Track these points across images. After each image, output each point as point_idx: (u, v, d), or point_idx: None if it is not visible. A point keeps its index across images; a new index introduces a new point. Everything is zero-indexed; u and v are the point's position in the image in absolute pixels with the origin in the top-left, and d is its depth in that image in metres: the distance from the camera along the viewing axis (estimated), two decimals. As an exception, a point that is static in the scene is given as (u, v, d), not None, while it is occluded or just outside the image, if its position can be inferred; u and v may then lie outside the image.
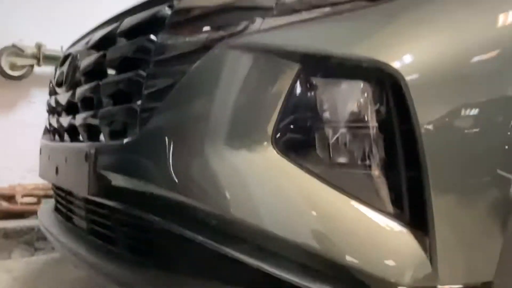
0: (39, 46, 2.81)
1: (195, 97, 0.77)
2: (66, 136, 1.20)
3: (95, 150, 0.93)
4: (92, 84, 1.01)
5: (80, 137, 1.09)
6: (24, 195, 2.52)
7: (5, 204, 2.48)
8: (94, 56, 1.03)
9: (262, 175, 0.72)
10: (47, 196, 2.58)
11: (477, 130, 0.70)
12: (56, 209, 1.45)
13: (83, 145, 1.01)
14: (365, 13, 0.73)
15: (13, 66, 2.75)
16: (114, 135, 0.94)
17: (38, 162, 2.82)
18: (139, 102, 0.86)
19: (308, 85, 0.73)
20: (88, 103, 1.05)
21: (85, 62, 1.08)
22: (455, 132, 0.69)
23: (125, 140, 0.85)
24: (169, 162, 0.77)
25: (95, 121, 1.00)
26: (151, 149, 0.81)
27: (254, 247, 0.73)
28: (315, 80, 0.73)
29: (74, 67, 1.13)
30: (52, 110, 1.38)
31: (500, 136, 0.70)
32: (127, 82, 0.89)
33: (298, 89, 0.73)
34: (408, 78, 0.67)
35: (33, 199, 2.57)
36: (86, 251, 1.04)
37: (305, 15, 0.76)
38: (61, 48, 2.95)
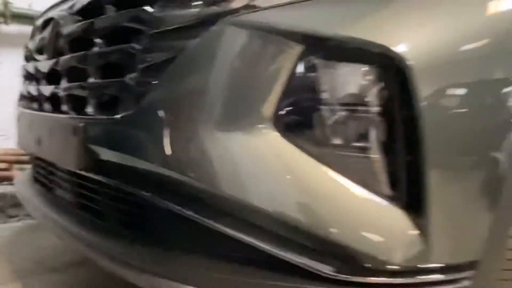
0: (5, 4, 2.65)
1: (194, 74, 0.75)
2: (47, 106, 1.15)
3: (84, 123, 0.91)
4: (79, 53, 0.97)
5: (64, 108, 1.05)
6: (-6, 161, 2.43)
7: (-26, 170, 2.40)
8: (80, 24, 0.98)
9: (261, 155, 0.72)
10: (18, 162, 2.51)
11: (472, 112, 0.71)
12: (36, 179, 1.41)
13: (70, 118, 0.97)
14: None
15: (-23, 24, 2.59)
16: (104, 108, 0.91)
17: (10, 128, 2.72)
18: (132, 76, 0.83)
19: (310, 66, 0.72)
20: (73, 73, 1.01)
21: (69, 29, 1.02)
22: (452, 115, 0.71)
23: (119, 115, 0.83)
24: (167, 140, 0.76)
25: (82, 93, 0.96)
26: (147, 125, 0.80)
27: (247, 224, 0.74)
28: (317, 62, 0.72)
29: (56, 34, 1.07)
30: (30, 77, 1.31)
31: (493, 119, 0.72)
32: (119, 54, 0.86)
33: (300, 70, 0.72)
34: (410, 61, 0.67)
35: (4, 165, 2.48)
36: (73, 224, 1.03)
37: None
38: (29, 5, 2.79)
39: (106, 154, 0.87)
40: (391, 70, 0.69)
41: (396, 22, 0.70)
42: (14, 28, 2.77)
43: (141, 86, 0.81)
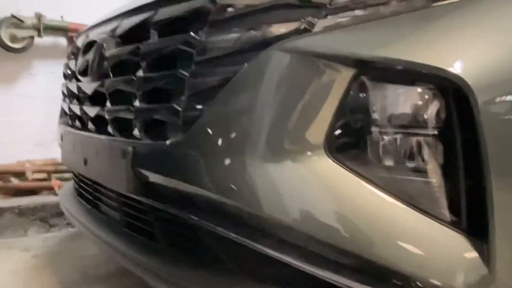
0: (39, 16, 2.71)
1: (244, 101, 0.75)
2: (92, 126, 1.18)
3: (133, 148, 0.92)
4: (126, 77, 0.98)
5: (110, 129, 1.06)
6: (34, 171, 2.50)
7: (15, 181, 2.47)
8: (126, 48, 0.99)
9: (315, 182, 0.71)
10: (57, 172, 2.58)
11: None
12: (80, 194, 1.44)
13: (119, 141, 0.98)
14: (424, 15, 0.70)
15: (13, 38, 2.66)
16: (151, 132, 0.92)
17: (47, 137, 2.79)
18: (180, 101, 0.83)
19: (363, 90, 0.71)
20: (119, 96, 1.02)
21: (114, 52, 1.04)
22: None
23: (168, 141, 0.84)
24: (216, 166, 0.77)
25: (129, 115, 0.98)
26: (196, 151, 0.80)
27: (302, 252, 0.73)
28: (371, 85, 0.71)
29: (100, 57, 1.08)
30: (72, 96, 1.34)
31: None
32: (168, 79, 0.86)
33: (352, 94, 0.71)
34: (468, 81, 0.65)
35: (43, 175, 2.56)
36: (121, 243, 1.05)
37: (360, 14, 0.72)
38: (61, 17, 2.85)
39: (156, 179, 0.89)
40: (449, 92, 0.68)
41: (450, 43, 0.68)
42: (47, 40, 2.84)
43: (189, 112, 0.82)
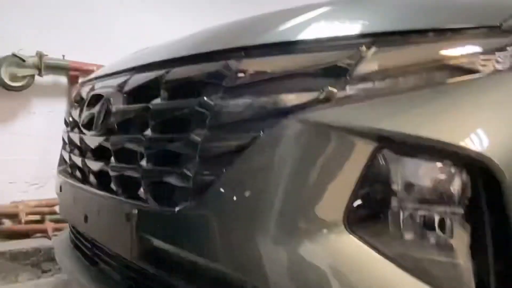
0: (40, 55, 2.71)
1: (260, 173, 0.72)
2: (94, 181, 1.14)
3: (138, 211, 0.88)
4: (134, 136, 0.95)
5: (113, 186, 1.02)
6: (27, 213, 2.43)
7: (8, 223, 2.40)
8: (134, 106, 0.96)
9: (337, 261, 0.67)
10: (51, 213, 2.51)
11: None
12: (76, 246, 1.38)
13: (123, 202, 0.94)
14: (446, 90, 0.68)
15: (13, 77, 2.65)
16: (159, 196, 0.88)
17: (43, 176, 2.73)
18: (191, 167, 0.80)
19: (384, 165, 0.68)
20: (125, 153, 0.99)
21: (122, 108, 1.01)
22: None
23: (177, 208, 0.80)
24: (230, 241, 0.73)
25: (134, 174, 0.94)
26: (207, 222, 0.76)
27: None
28: (394, 160, 0.68)
29: (107, 112, 1.06)
30: (73, 146, 1.31)
31: None
32: (178, 143, 0.83)
33: (374, 169, 0.68)
34: (498, 162, 0.63)
35: (37, 217, 2.49)
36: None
37: (379, 87, 0.70)
38: (63, 56, 2.85)
39: (160, 245, 0.84)
40: (474, 169, 0.65)
41: (473, 120, 0.66)
42: (47, 78, 2.83)
43: (200, 178, 0.78)
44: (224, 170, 0.75)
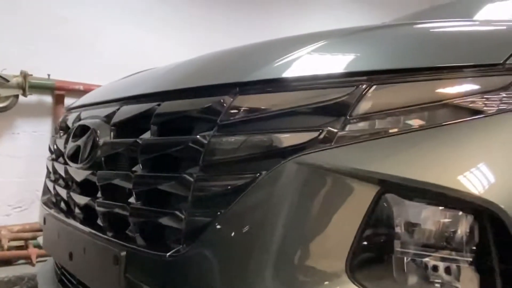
0: (24, 75, 2.65)
1: (258, 217, 0.68)
2: (79, 215, 1.08)
3: (126, 254, 0.83)
4: (121, 172, 0.90)
5: (100, 223, 0.97)
6: (10, 239, 2.35)
7: (-10, 250, 2.31)
8: (122, 141, 0.92)
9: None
10: (35, 238, 2.42)
11: None
12: (60, 280, 1.31)
13: (110, 242, 0.89)
14: (446, 132, 0.66)
15: (-4, 97, 2.58)
16: (148, 237, 0.84)
17: (26, 199, 2.65)
18: (183, 208, 0.76)
19: (389, 208, 0.65)
20: (113, 189, 0.94)
21: (109, 142, 0.96)
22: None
23: (168, 254, 0.75)
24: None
25: (123, 212, 0.89)
26: (200, 269, 0.72)
27: None
28: (398, 204, 0.65)
29: (93, 145, 1.01)
30: (59, 177, 1.25)
31: None
32: (169, 182, 0.79)
33: (377, 214, 0.65)
34: (504, 208, 0.60)
35: (20, 243, 2.40)
36: None
37: (381, 127, 0.67)
38: (48, 76, 2.79)
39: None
40: (481, 215, 0.62)
41: (475, 162, 0.64)
42: (32, 98, 2.77)
43: (193, 221, 0.74)
44: (219, 213, 0.71)
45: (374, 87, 0.68)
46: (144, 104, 0.92)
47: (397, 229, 0.66)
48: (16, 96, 2.66)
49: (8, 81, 2.58)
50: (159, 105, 0.88)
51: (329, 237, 0.65)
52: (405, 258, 0.65)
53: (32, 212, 2.67)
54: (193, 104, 0.80)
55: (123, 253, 0.83)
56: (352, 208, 0.64)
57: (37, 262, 2.28)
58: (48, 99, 2.89)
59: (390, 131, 0.67)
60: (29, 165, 2.72)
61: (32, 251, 2.32)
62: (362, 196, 0.64)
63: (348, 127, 0.68)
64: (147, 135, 0.88)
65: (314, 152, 0.67)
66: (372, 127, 0.67)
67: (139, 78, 1.18)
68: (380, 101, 0.68)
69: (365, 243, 0.65)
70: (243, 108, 0.74)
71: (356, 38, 0.84)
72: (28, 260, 2.33)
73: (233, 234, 0.70)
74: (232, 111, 0.75)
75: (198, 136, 0.76)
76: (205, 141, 0.75)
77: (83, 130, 1.09)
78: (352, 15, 4.28)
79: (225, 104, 0.76)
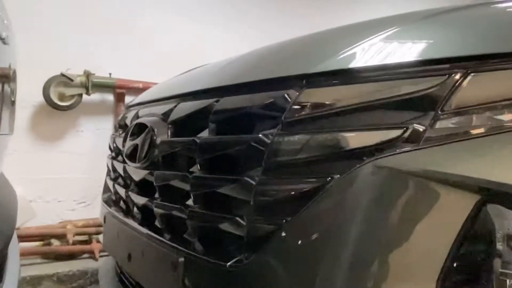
0: (87, 74, 2.72)
1: (331, 227, 0.60)
2: (138, 215, 1.05)
3: (184, 260, 0.78)
4: (178, 174, 0.85)
5: (158, 225, 0.93)
6: (75, 234, 2.42)
7: (57, 243, 2.40)
8: (180, 140, 0.87)
9: None
10: (98, 233, 2.49)
11: None
12: (121, 281, 1.30)
13: (169, 247, 0.84)
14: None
15: (61, 96, 2.68)
16: (208, 243, 0.78)
17: (90, 195, 2.73)
18: (245, 214, 0.69)
19: (491, 220, 0.54)
20: (171, 190, 0.90)
21: (166, 141, 0.92)
22: None
23: (229, 263, 0.69)
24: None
25: (180, 215, 0.84)
26: (264, 281, 0.65)
27: None
28: (500, 216, 0.54)
29: (151, 143, 0.97)
30: (118, 176, 1.24)
31: None
32: (228, 184, 0.72)
33: (475, 228, 0.54)
34: None
35: (84, 237, 2.47)
36: None
37: (481, 123, 0.56)
38: (110, 74, 2.86)
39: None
40: None
41: None
42: (94, 96, 2.84)
43: (255, 228, 0.67)
44: (285, 221, 0.64)
45: (471, 75, 0.57)
46: (202, 100, 0.86)
47: (499, 246, 0.55)
48: (80, 95, 2.75)
49: (72, 80, 2.67)
50: (217, 101, 0.82)
51: (415, 254, 0.55)
52: (507, 281, 0.54)
53: (95, 207, 2.75)
54: (255, 100, 0.73)
55: (181, 259, 0.78)
56: (445, 221, 0.54)
57: (100, 256, 2.34)
58: (109, 97, 2.96)
59: (491, 129, 0.56)
60: (92, 162, 2.80)
61: (95, 246, 2.38)
62: (458, 207, 0.54)
63: (438, 124, 0.57)
64: (205, 134, 0.83)
65: (397, 153, 0.57)
66: (469, 124, 0.57)
67: (196, 73, 1.13)
68: (479, 92, 0.57)
69: (459, 262, 0.55)
70: (311, 103, 0.66)
71: (440, 20, 0.73)
72: (91, 255, 2.40)
73: (301, 245, 0.62)
74: (298, 107, 0.67)
75: (260, 135, 0.68)
76: (268, 141, 0.67)
77: (140, 128, 1.06)
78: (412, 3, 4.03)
79: (290, 99, 0.68)
